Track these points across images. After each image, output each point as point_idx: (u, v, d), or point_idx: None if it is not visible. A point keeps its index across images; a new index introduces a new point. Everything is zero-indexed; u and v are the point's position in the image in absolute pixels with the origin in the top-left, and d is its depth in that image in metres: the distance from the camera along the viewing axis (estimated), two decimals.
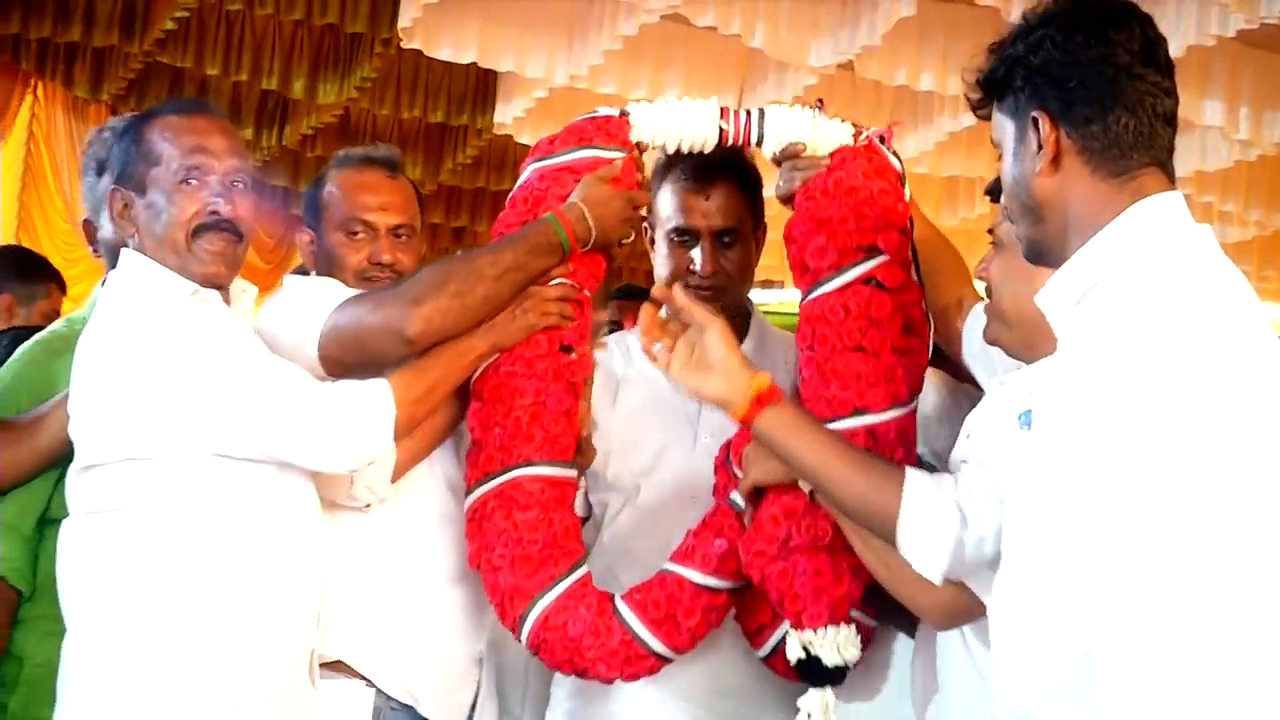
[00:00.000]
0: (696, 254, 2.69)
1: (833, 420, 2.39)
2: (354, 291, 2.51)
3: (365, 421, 2.30)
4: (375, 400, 2.31)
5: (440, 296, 2.40)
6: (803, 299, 2.52)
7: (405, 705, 2.54)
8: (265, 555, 2.29)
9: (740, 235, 2.71)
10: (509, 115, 7.72)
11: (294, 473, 2.30)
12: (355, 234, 2.65)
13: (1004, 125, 1.93)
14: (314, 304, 2.47)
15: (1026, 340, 2.20)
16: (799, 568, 2.27)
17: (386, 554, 2.54)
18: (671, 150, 2.60)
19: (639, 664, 2.45)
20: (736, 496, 2.45)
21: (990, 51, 1.96)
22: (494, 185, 8.79)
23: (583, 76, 6.93)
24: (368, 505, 2.47)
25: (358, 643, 2.50)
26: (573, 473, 2.57)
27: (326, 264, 2.68)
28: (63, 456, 2.36)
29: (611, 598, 2.48)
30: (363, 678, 2.50)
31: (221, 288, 2.39)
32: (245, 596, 2.26)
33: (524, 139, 8.01)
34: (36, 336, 2.71)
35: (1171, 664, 1.58)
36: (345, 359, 2.41)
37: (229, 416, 2.22)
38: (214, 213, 2.33)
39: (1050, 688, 1.75)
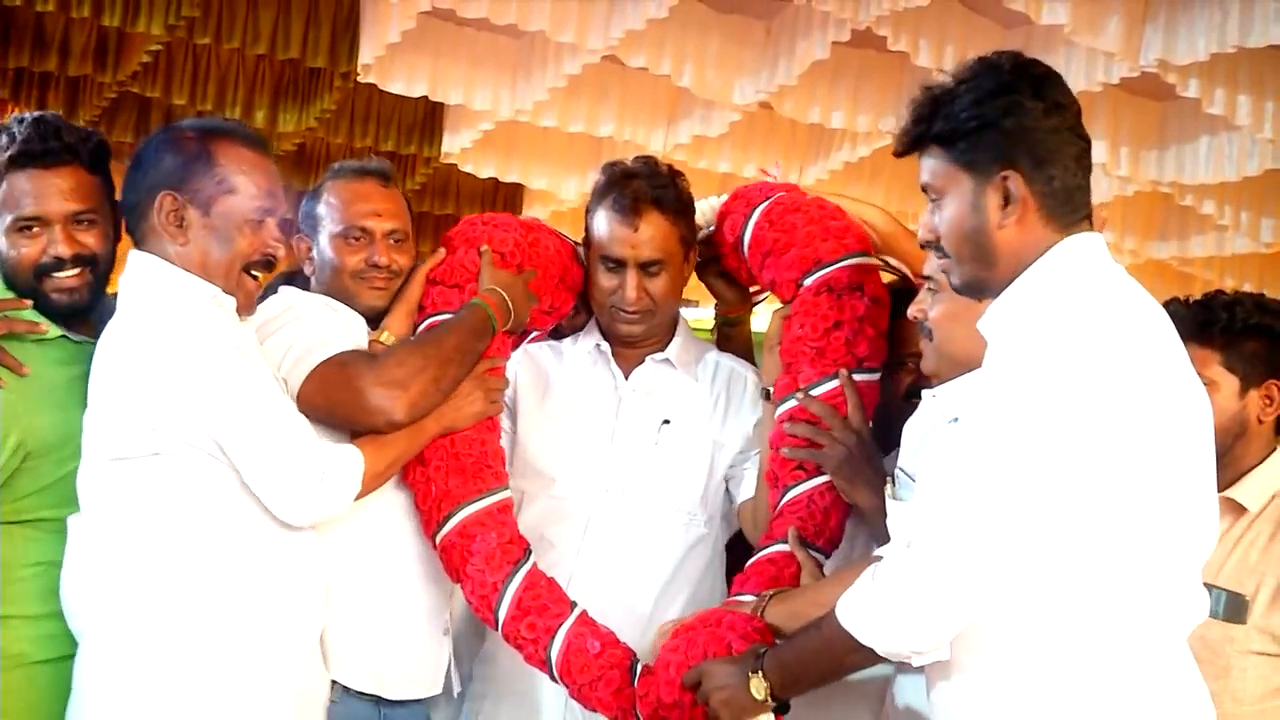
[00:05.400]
0: (623, 282, 2.73)
1: (804, 278, 2.64)
2: (341, 342, 2.52)
3: (331, 489, 2.30)
4: (346, 472, 2.33)
5: (421, 382, 2.46)
6: (755, 270, 2.78)
7: (349, 692, 2.52)
8: (276, 551, 2.30)
9: (666, 264, 2.73)
10: (456, 146, 7.75)
11: None
12: (354, 239, 2.66)
13: (954, 176, 2.00)
14: (309, 341, 2.50)
15: (960, 369, 2.32)
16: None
17: (348, 547, 2.52)
18: None
19: (484, 608, 2.54)
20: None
21: (933, 102, 2.02)
22: (438, 210, 8.80)
23: (527, 111, 7.01)
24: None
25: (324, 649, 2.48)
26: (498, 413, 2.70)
27: (324, 268, 2.69)
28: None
29: (524, 555, 2.55)
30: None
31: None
32: (259, 587, 2.27)
33: (468, 168, 8.12)
34: None
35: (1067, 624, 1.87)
36: (318, 414, 2.42)
37: (221, 433, 2.23)
38: (270, 255, 2.41)
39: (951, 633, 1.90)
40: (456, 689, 2.74)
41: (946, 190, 2.01)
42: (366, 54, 6.55)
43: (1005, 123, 1.95)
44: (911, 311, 2.42)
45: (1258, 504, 2.62)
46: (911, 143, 2.05)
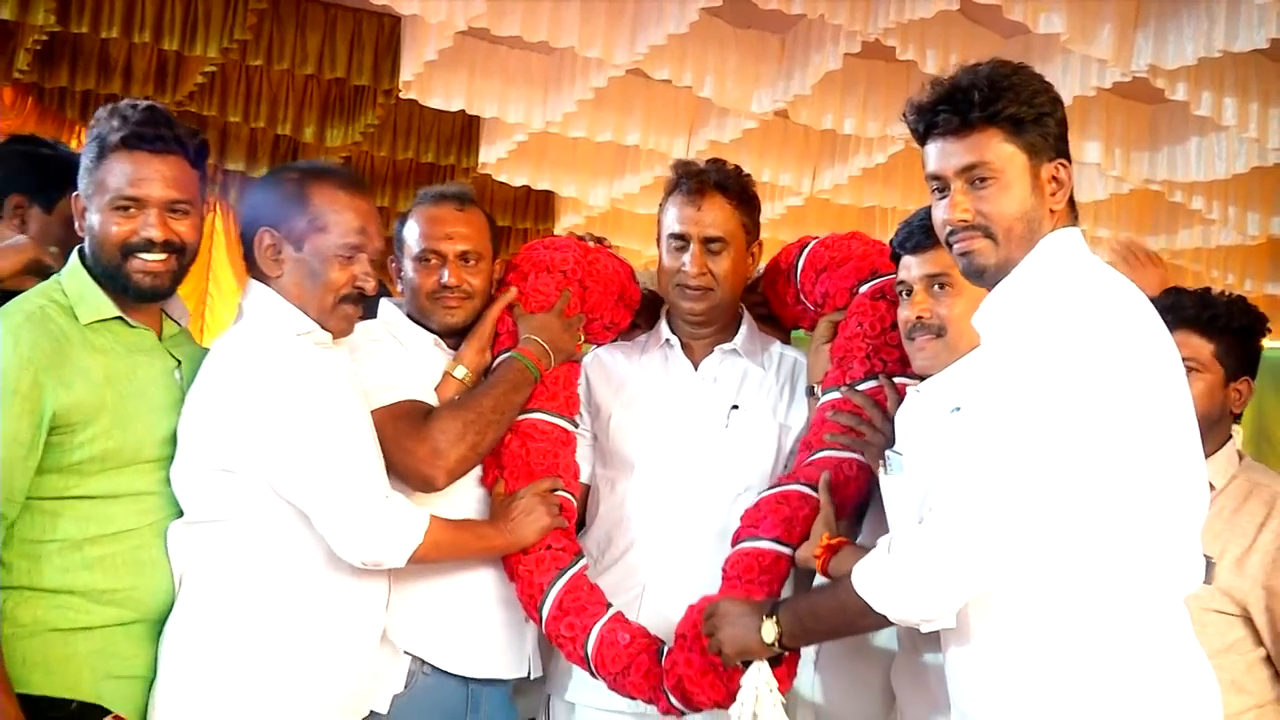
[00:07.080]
0: (687, 258, 2.78)
1: (859, 285, 2.72)
2: (405, 385, 2.61)
3: (391, 539, 2.36)
4: (410, 528, 2.38)
5: (460, 449, 2.55)
6: (806, 287, 2.88)
7: (439, 669, 2.63)
8: (332, 568, 2.37)
9: (728, 245, 2.77)
10: (492, 156, 7.88)
11: None
12: (428, 261, 2.75)
13: (1016, 158, 2.01)
14: (371, 382, 2.58)
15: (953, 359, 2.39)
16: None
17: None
18: None
19: (530, 606, 2.65)
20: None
21: (992, 84, 2.00)
22: None
23: (557, 122, 7.14)
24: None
25: (416, 631, 2.63)
26: (574, 427, 2.80)
27: (406, 290, 2.81)
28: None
29: (572, 560, 2.64)
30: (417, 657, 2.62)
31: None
32: (331, 591, 2.38)
33: (503, 177, 8.25)
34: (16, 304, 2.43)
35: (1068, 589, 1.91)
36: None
37: (289, 472, 2.32)
38: (361, 288, 2.47)
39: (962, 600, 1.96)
40: (537, 673, 2.80)
41: (1006, 171, 2.00)
42: (407, 72, 6.74)
43: (1058, 114, 2.02)
44: (915, 312, 2.43)
45: (1221, 482, 2.76)
46: (975, 119, 2.01)
